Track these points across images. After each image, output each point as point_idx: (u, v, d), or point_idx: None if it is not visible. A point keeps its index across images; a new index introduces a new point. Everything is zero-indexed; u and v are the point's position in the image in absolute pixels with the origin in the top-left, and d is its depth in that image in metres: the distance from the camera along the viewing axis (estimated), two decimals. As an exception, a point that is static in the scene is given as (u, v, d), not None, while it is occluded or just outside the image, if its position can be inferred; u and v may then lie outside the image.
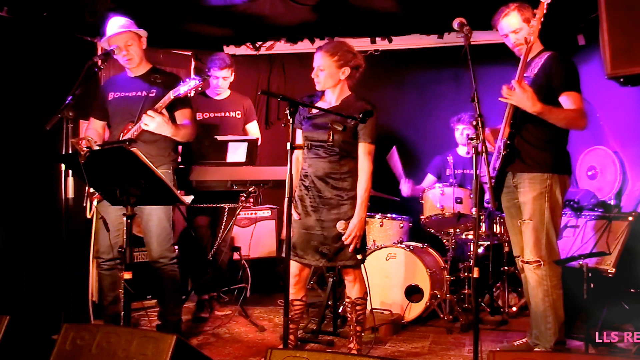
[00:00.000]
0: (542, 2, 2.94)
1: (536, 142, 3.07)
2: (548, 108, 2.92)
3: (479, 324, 2.79)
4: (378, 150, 3.09)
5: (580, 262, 3.03)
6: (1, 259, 3.56)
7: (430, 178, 4.83)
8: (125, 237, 2.65)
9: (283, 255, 2.90)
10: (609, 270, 3.47)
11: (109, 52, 3.32)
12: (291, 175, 2.64)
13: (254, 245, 4.77)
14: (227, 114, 4.41)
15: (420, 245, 4.29)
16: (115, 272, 3.37)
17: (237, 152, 4.04)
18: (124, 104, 3.42)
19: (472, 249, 4.24)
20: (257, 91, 5.32)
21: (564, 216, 3.74)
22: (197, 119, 4.07)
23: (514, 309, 4.25)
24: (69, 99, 2.89)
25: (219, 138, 4.07)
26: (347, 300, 3.19)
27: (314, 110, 3.06)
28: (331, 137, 2.87)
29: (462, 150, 4.72)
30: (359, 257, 2.98)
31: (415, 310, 3.97)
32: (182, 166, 3.85)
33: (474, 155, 2.67)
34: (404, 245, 4.12)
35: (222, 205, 4.03)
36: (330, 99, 3.11)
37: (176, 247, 3.79)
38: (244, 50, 5.36)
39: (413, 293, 4.00)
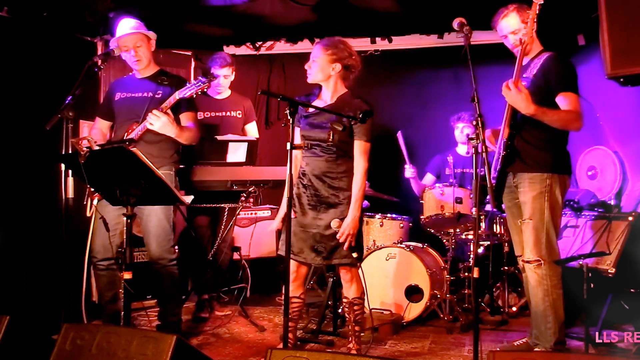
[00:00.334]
0: (535, 2, 2.95)
1: (536, 142, 3.07)
2: (542, 110, 2.92)
3: (479, 324, 2.78)
4: (378, 149, 3.09)
5: (580, 262, 3.03)
6: (1, 259, 3.57)
7: (429, 177, 4.83)
8: (125, 237, 2.65)
9: (280, 252, 2.90)
10: (608, 270, 3.47)
11: (109, 52, 3.33)
12: (291, 175, 2.65)
13: (254, 245, 4.77)
14: (228, 113, 4.41)
15: (420, 245, 4.29)
16: (111, 272, 3.37)
17: (237, 152, 4.04)
18: (130, 104, 3.44)
19: (472, 249, 4.24)
20: (257, 91, 5.31)
21: (564, 216, 3.74)
22: (198, 118, 4.07)
23: (514, 309, 4.25)
24: (69, 99, 2.90)
25: (219, 138, 4.08)
26: (344, 300, 3.19)
27: (311, 109, 3.06)
28: (331, 137, 2.87)
29: (461, 149, 4.72)
30: (354, 255, 2.99)
31: (415, 310, 3.97)
32: (182, 166, 3.85)
33: (474, 155, 2.67)
34: (404, 245, 4.12)
35: (222, 205, 4.03)
36: (326, 97, 3.11)
37: (176, 247, 3.78)
38: (244, 50, 5.36)
39: (413, 293, 4.00)
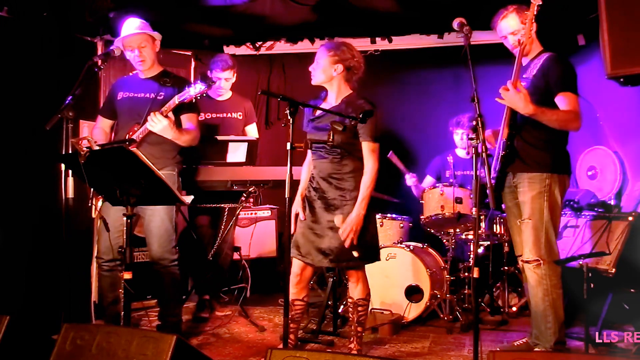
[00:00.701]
0: (533, 3, 2.95)
1: (535, 142, 3.07)
2: (540, 110, 2.92)
3: (479, 324, 2.78)
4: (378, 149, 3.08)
5: (580, 262, 3.03)
6: (1, 259, 3.57)
7: (429, 180, 4.82)
8: (125, 237, 2.65)
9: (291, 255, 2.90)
10: (608, 270, 3.47)
11: (109, 52, 3.33)
12: (291, 175, 2.65)
13: (254, 245, 4.77)
14: (229, 114, 4.42)
15: (420, 245, 4.29)
16: (114, 273, 3.37)
17: (237, 152, 4.05)
18: (132, 104, 3.44)
19: (472, 249, 4.24)
20: (257, 91, 5.32)
21: (564, 216, 3.74)
22: (200, 119, 4.07)
23: (514, 309, 4.25)
24: (69, 99, 2.90)
25: (219, 138, 4.08)
26: (349, 300, 3.19)
27: (317, 112, 3.08)
28: (331, 138, 2.87)
29: (461, 152, 4.71)
30: (355, 254, 2.98)
31: (415, 310, 3.97)
32: (184, 166, 3.85)
33: (474, 155, 2.67)
34: (404, 245, 4.13)
35: (222, 205, 4.03)
36: (331, 100, 3.12)
37: (177, 247, 3.78)
38: (244, 50, 5.36)
39: (413, 293, 4.00)
